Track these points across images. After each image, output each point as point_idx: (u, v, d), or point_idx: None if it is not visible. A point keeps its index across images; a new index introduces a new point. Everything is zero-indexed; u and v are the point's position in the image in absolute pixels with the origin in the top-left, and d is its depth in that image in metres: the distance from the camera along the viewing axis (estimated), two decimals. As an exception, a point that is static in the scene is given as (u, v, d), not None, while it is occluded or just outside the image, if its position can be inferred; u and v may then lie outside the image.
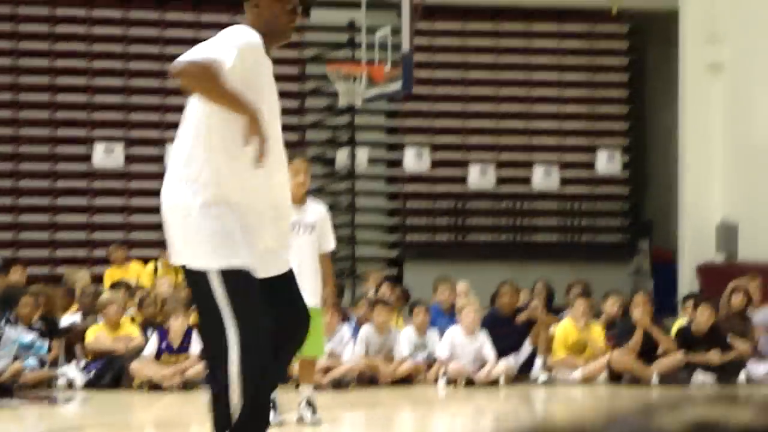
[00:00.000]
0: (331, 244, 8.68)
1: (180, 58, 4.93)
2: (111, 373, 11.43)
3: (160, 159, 17.58)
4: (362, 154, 18.59)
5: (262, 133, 4.86)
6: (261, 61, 5.08)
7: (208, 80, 4.82)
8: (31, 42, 18.00)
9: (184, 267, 5.16)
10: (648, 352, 11.91)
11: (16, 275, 13.24)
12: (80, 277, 13.66)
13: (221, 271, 4.98)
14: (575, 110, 19.33)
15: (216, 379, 5.10)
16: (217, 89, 4.83)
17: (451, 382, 11.68)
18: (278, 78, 5.31)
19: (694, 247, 17.01)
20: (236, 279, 4.98)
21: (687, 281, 16.82)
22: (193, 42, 18.61)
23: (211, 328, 5.06)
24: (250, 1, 5.20)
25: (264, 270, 5.11)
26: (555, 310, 13.30)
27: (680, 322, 12.52)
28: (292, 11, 5.16)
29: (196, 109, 5.04)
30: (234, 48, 4.94)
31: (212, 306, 4.99)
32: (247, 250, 5.01)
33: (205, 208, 5.00)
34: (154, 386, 11.19)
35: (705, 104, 17.12)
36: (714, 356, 11.93)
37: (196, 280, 5.08)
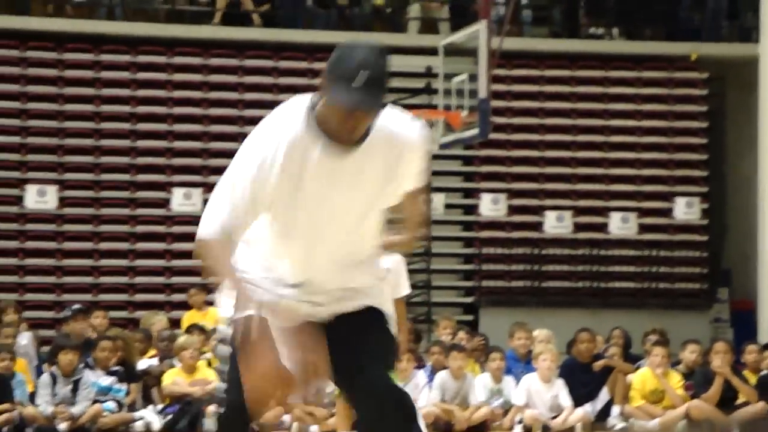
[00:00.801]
0: (405, 289, 8.67)
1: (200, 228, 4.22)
2: (188, 416, 11.49)
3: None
4: (438, 200, 18.60)
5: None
6: (278, 152, 4.14)
7: (208, 260, 4.17)
8: (112, 89, 18.25)
9: None
10: (727, 401, 11.75)
11: (97, 320, 13.36)
12: (157, 320, 13.76)
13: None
14: (653, 157, 19.21)
15: None
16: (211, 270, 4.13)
17: (527, 429, 11.60)
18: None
19: (775, 296, 16.77)
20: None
21: (767, 330, 16.58)
22: (272, 88, 18.72)
23: None
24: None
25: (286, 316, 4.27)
26: (632, 358, 13.17)
27: (750, 373, 12.35)
28: (347, 118, 4.01)
29: None
30: (227, 199, 4.18)
31: None
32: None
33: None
34: (229, 430, 11.22)
35: (785, 151, 16.91)
36: (795, 406, 11.75)
37: None
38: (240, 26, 18.77)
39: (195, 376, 11.76)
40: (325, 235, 4.23)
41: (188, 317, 14.56)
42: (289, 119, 4.16)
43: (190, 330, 12.98)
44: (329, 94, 4.01)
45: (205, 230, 4.17)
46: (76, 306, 13.25)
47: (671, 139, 19.35)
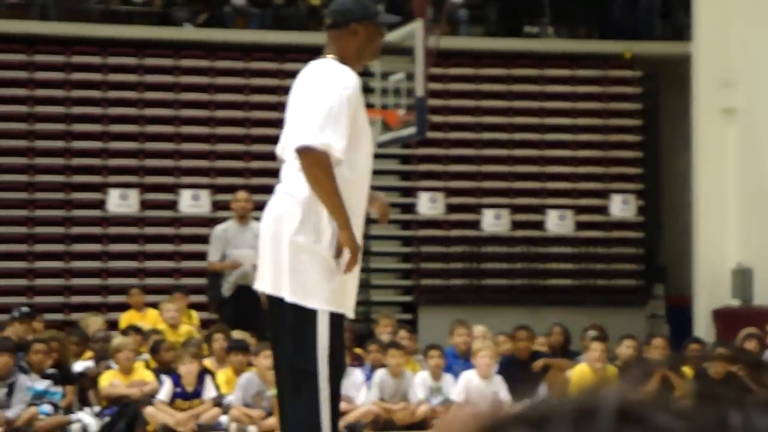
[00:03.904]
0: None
1: (304, 138, 4.90)
2: (125, 418, 11.41)
3: (173, 205, 17.60)
4: (376, 199, 18.59)
5: (353, 246, 5.10)
6: (360, 101, 5.09)
7: (323, 176, 4.92)
8: (47, 90, 18.09)
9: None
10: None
11: (32, 323, 13.22)
12: (93, 322, 13.64)
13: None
14: (589, 155, 19.34)
15: None
16: (326, 188, 4.94)
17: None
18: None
19: (709, 292, 16.94)
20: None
21: (702, 326, 16.75)
22: (208, 88, 18.34)
23: None
24: (344, 28, 5.07)
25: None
26: (571, 354, 13.25)
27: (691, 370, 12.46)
28: (382, 33, 5.24)
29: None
30: (344, 116, 4.89)
31: None
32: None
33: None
34: (168, 431, 11.16)
35: (719, 149, 17.10)
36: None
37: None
38: (175, 26, 18.65)
39: (132, 378, 11.68)
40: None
41: (126, 318, 14.46)
42: (351, 76, 5.00)
43: (126, 331, 12.89)
44: (377, 21, 5.07)
45: (315, 138, 4.93)
46: (24, 309, 13.14)
47: (606, 137, 19.48)
